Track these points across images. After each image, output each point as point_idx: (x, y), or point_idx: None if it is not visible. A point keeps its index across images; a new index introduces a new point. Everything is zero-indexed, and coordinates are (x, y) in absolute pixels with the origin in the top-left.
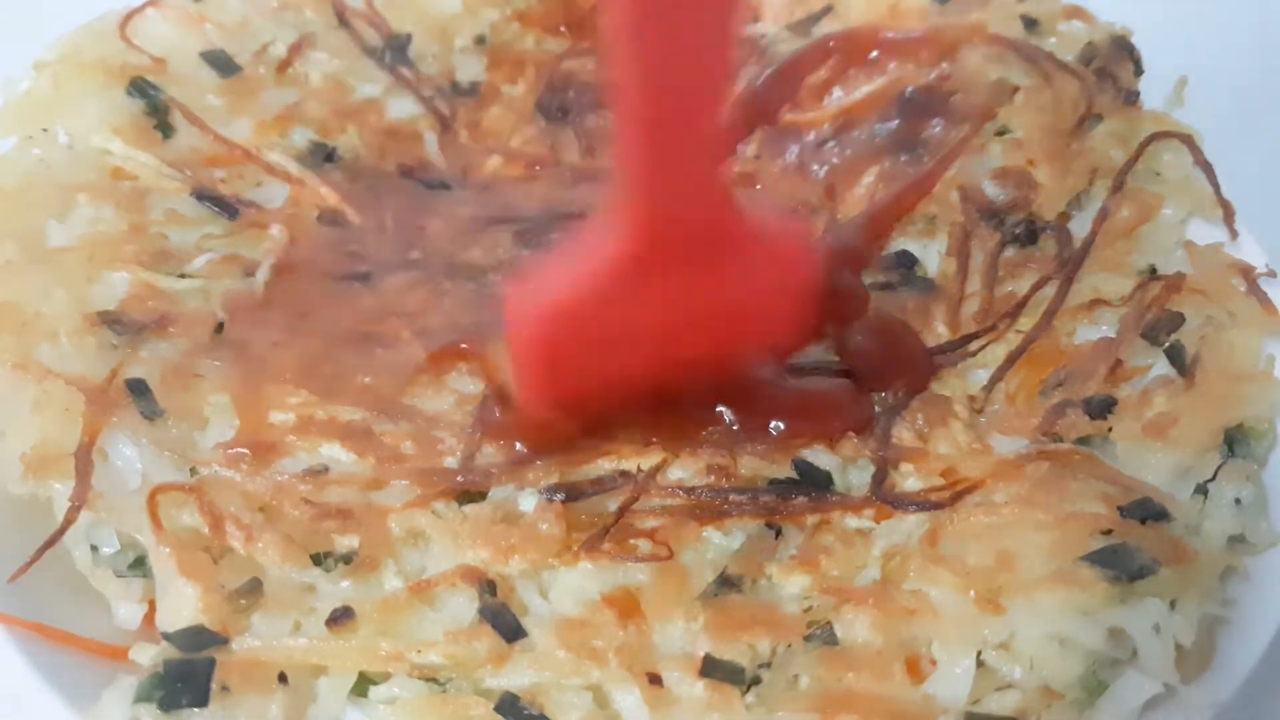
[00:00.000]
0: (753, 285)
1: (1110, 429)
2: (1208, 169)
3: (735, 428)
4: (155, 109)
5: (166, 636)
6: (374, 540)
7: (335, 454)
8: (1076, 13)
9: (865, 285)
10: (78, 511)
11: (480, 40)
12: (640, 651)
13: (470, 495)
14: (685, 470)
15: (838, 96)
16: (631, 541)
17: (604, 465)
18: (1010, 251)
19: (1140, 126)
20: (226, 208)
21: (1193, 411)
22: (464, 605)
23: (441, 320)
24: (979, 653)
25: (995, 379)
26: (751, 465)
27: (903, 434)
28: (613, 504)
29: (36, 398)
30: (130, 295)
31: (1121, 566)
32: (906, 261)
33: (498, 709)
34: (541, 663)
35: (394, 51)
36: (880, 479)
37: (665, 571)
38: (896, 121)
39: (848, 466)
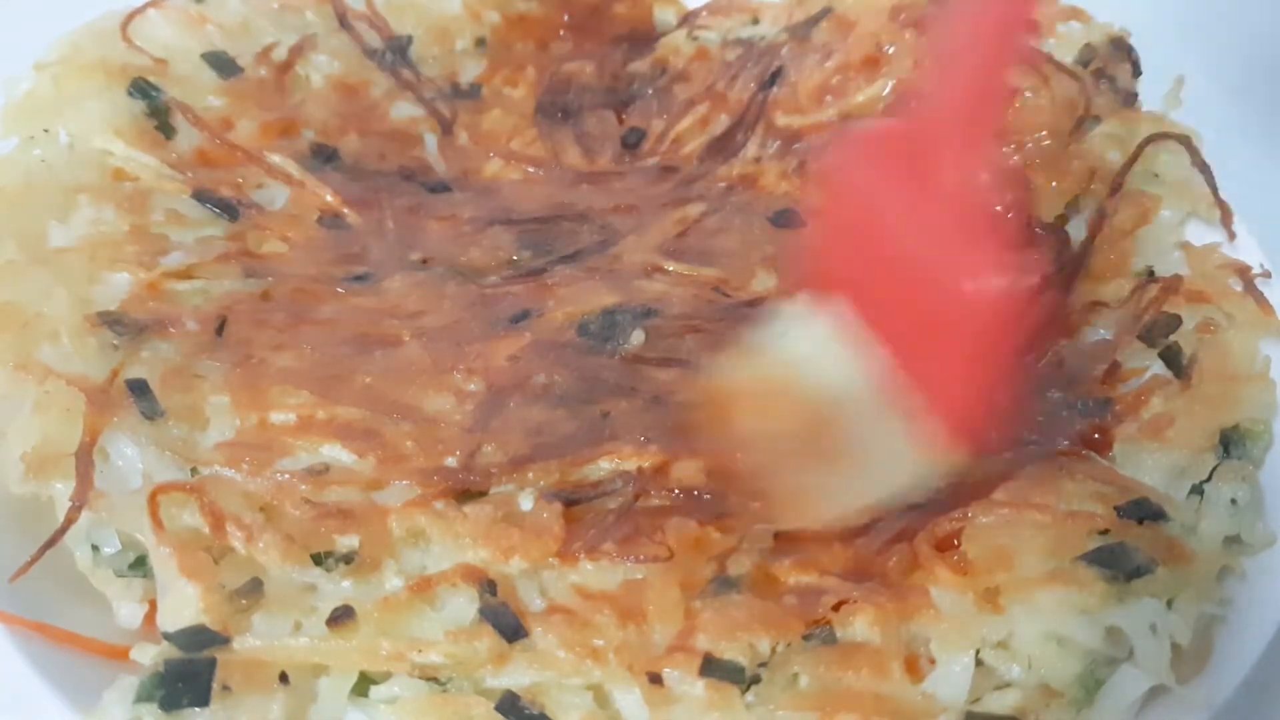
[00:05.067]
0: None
1: (1107, 430)
2: (1205, 170)
3: None
4: (156, 110)
5: (167, 636)
6: (374, 540)
7: (336, 454)
8: (1074, 14)
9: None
10: (79, 511)
11: (481, 42)
12: (640, 651)
13: (470, 495)
14: (686, 470)
15: (837, 99)
16: (632, 541)
17: (604, 466)
18: None
19: (1138, 128)
20: (227, 209)
21: (1189, 412)
22: (464, 605)
23: (441, 321)
24: (978, 651)
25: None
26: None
27: None
28: (613, 504)
29: (38, 398)
30: (131, 296)
31: (1119, 566)
32: None
33: (498, 708)
34: (542, 662)
35: (395, 53)
36: None
37: (665, 571)
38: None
39: None
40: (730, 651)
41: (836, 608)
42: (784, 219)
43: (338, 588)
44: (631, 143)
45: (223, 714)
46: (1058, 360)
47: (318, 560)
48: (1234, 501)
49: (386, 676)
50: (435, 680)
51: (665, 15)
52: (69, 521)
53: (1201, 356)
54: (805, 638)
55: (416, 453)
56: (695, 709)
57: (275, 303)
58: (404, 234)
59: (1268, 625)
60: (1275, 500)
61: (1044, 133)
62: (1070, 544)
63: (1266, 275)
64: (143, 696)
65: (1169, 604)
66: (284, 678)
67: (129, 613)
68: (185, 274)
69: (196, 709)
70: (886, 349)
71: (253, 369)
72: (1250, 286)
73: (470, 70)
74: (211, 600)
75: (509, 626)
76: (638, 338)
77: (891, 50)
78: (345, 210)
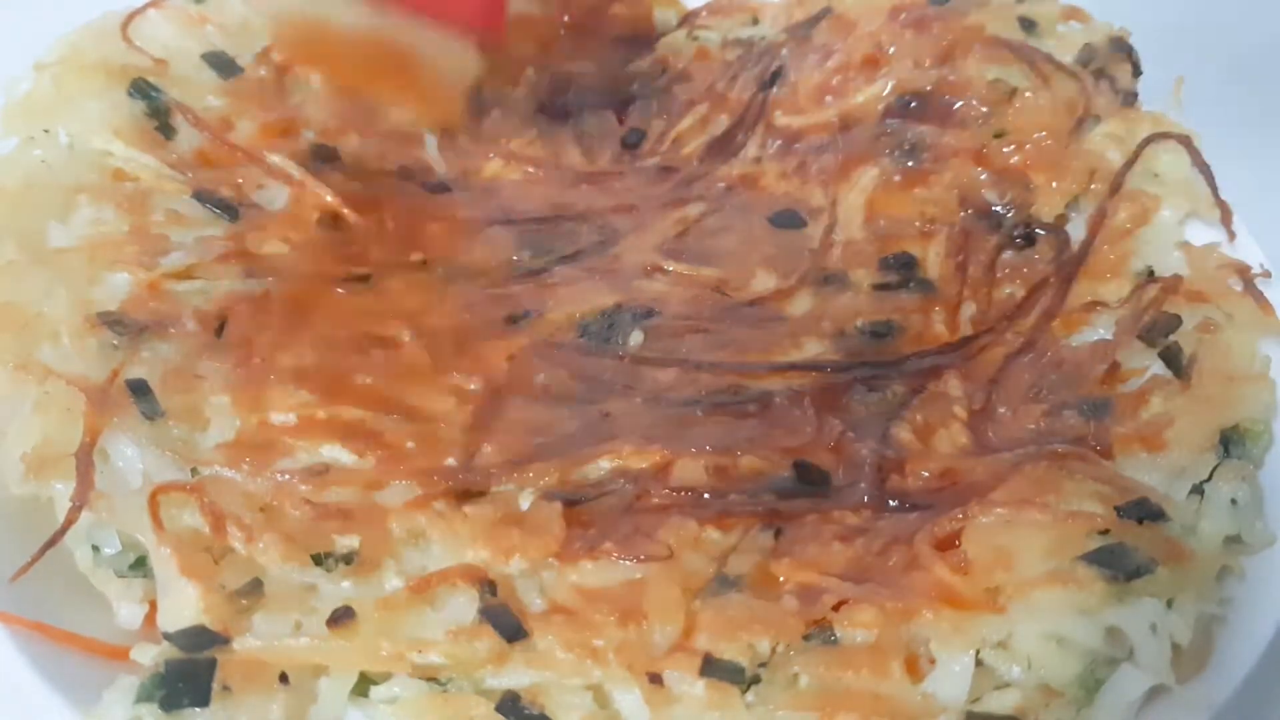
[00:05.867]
0: None
1: (1107, 430)
2: (1205, 170)
3: None
4: (156, 110)
5: (168, 636)
6: (374, 540)
7: (336, 454)
8: (1074, 14)
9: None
10: (79, 512)
11: None
12: (640, 651)
13: (470, 495)
14: (686, 470)
15: (837, 99)
16: (632, 541)
17: (604, 465)
18: (1008, 254)
19: (1138, 128)
20: (227, 209)
21: (1189, 412)
22: (465, 605)
23: (441, 321)
24: (977, 651)
25: (994, 380)
26: (752, 465)
27: (902, 434)
28: (613, 504)
29: (38, 398)
30: (131, 296)
31: (1119, 566)
32: (906, 262)
33: (498, 709)
34: (542, 663)
35: None
36: (880, 479)
37: (665, 571)
38: (895, 123)
39: (847, 466)
40: (730, 651)
41: (836, 608)
42: (784, 219)
43: (338, 588)
44: (631, 143)
45: (223, 714)
46: (1058, 360)
47: (318, 560)
48: (1234, 501)
49: (386, 677)
50: (435, 680)
51: (665, 15)
52: (69, 522)
53: (1201, 356)
54: (805, 638)
55: (416, 453)
56: (695, 709)
57: (275, 303)
58: (404, 234)
59: (1268, 625)
60: (1275, 500)
61: (1044, 133)
62: (1070, 544)
63: (1266, 275)
64: (143, 696)
65: (1169, 604)
66: (284, 678)
67: (129, 613)
68: (185, 274)
69: (197, 709)
70: None
71: (253, 369)
72: (1250, 286)
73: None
74: (211, 600)
75: (509, 627)
76: (636, 338)
77: (892, 50)
78: (345, 210)
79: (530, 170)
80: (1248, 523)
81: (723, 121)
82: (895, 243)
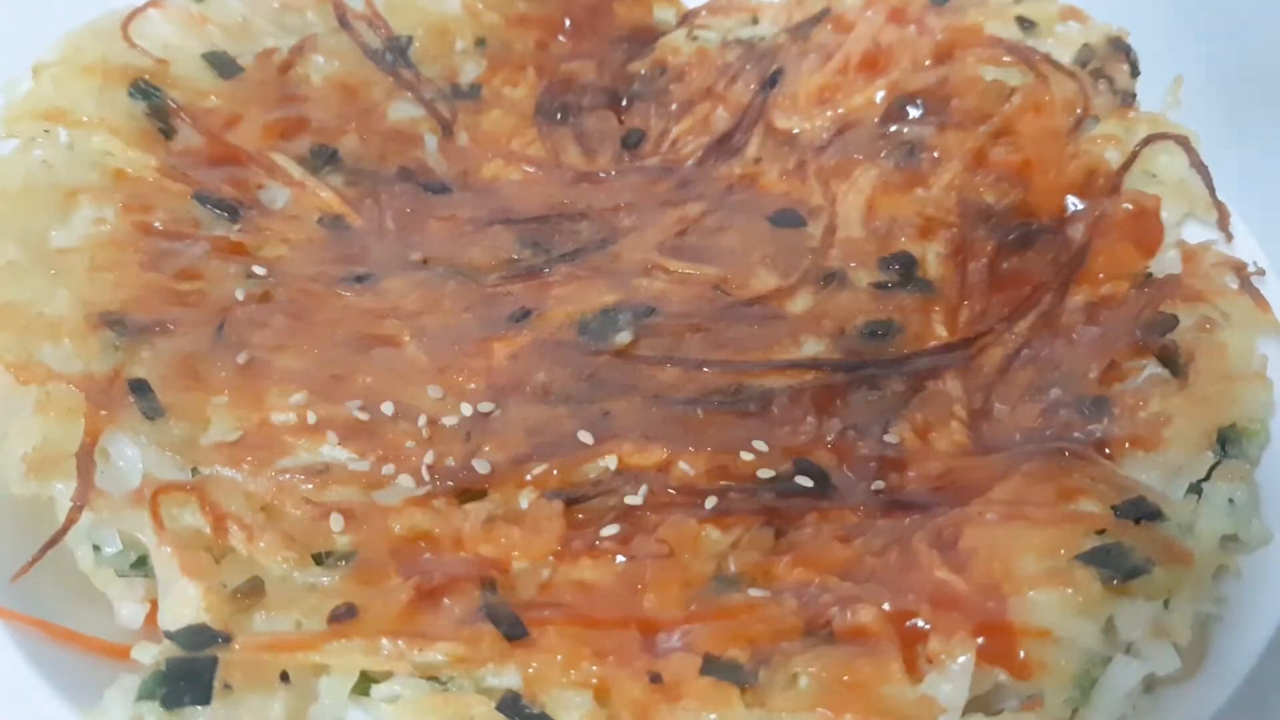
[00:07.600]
0: None
1: (1105, 429)
2: (1203, 170)
3: None
4: (157, 110)
5: (169, 635)
6: (375, 539)
7: (336, 453)
8: (1073, 14)
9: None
10: (80, 511)
11: (480, 42)
12: (640, 650)
13: (470, 494)
14: (686, 470)
15: (837, 99)
16: (632, 540)
17: (604, 465)
18: (1008, 254)
19: (1136, 128)
20: (228, 209)
21: (1186, 412)
22: (465, 604)
23: (441, 321)
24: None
25: (993, 380)
26: (752, 464)
27: (902, 434)
28: (613, 502)
29: (39, 398)
30: (131, 296)
31: (1116, 566)
32: (906, 262)
33: (499, 707)
34: (542, 661)
35: (395, 53)
36: (879, 478)
37: (665, 569)
38: (895, 124)
39: (847, 466)
40: (730, 651)
41: (836, 607)
42: (784, 218)
43: (338, 587)
44: (631, 143)
45: (224, 712)
46: (1056, 360)
47: (318, 560)
48: (1231, 501)
49: (387, 675)
50: (436, 679)
51: (665, 15)
52: (70, 521)
53: (1199, 355)
54: (805, 637)
55: (416, 453)
56: (695, 709)
57: (275, 303)
58: (404, 234)
59: (1266, 624)
60: (1272, 499)
61: (1043, 133)
62: (1067, 543)
63: (1260, 273)
64: (144, 695)
65: (1166, 603)
66: (285, 676)
67: (130, 612)
68: (185, 274)
69: (198, 707)
70: None
71: (253, 369)
72: (1247, 285)
73: (470, 70)
74: (213, 599)
75: (510, 625)
76: (623, 337)
77: (892, 50)
78: (345, 211)
79: (530, 170)
80: (1245, 522)
81: (723, 122)
82: (895, 242)
